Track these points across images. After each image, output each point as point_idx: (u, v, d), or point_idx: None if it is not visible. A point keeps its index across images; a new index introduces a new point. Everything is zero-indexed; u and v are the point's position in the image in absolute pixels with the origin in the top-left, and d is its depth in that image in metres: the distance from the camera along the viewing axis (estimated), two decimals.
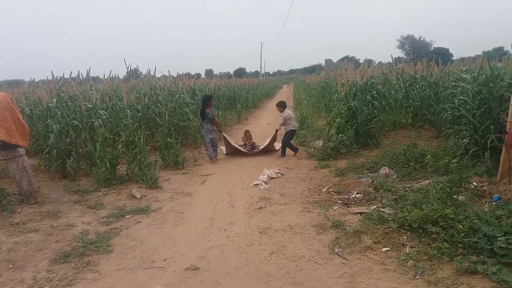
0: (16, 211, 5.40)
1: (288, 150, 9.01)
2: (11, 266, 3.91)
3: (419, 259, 3.54)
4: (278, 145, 9.53)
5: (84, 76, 10.28)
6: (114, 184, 6.73)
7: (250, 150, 9.47)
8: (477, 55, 11.17)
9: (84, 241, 4.43)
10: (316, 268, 3.66)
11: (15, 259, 4.05)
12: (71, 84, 8.82)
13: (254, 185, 6.69)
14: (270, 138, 9.53)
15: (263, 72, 70.32)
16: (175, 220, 5.24)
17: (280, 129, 9.12)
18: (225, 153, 9.62)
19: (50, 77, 9.02)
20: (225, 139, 9.34)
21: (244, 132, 10.09)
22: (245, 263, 3.86)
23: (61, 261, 4.00)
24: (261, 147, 9.56)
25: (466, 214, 3.99)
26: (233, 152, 9.52)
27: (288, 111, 9.12)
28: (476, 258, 3.38)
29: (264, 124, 14.77)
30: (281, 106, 9.16)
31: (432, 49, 67.02)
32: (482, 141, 6.15)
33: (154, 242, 4.49)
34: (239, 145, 9.62)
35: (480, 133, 6.20)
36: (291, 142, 9.13)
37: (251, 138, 9.83)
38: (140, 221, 5.17)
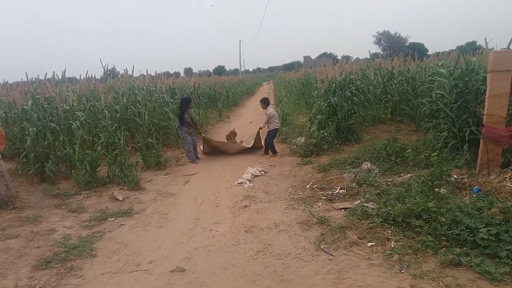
0: None
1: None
2: None
3: (404, 253, 3.60)
4: (248, 144, 9.49)
5: (60, 77, 10.03)
6: (95, 187, 6.60)
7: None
8: (451, 49, 11.43)
9: (66, 246, 4.33)
10: (303, 265, 3.67)
11: None
12: (47, 85, 8.60)
13: (238, 183, 6.67)
14: (254, 137, 9.39)
15: (242, 69, 70.30)
16: (159, 221, 5.17)
17: (264, 127, 8.97)
18: (202, 151, 9.47)
19: (24, 79, 8.80)
20: (204, 139, 9.28)
21: (230, 132, 10.01)
22: (231, 262, 3.84)
23: (43, 267, 3.90)
24: (247, 144, 9.38)
25: (448, 207, 4.07)
26: (212, 151, 9.40)
27: (271, 109, 9.03)
28: (459, 250, 3.45)
29: (246, 122, 14.74)
30: (264, 102, 9.09)
31: (407, 44, 68.14)
32: (461, 134, 6.28)
33: (138, 245, 4.42)
34: (224, 141, 9.64)
35: (458, 126, 6.32)
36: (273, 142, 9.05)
37: (234, 137, 9.82)
38: (124, 224, 5.09)
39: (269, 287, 3.33)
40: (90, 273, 3.79)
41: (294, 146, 8.94)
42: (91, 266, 3.94)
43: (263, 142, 9.32)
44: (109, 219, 5.26)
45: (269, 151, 8.90)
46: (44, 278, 3.71)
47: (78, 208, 5.66)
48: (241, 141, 9.72)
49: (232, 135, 9.79)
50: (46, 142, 7.17)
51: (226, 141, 9.73)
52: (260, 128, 9.17)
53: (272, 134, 8.84)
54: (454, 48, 7.65)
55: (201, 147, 9.60)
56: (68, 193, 6.35)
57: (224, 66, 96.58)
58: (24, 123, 7.40)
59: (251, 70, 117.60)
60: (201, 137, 9.37)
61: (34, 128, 7.01)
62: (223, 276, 3.59)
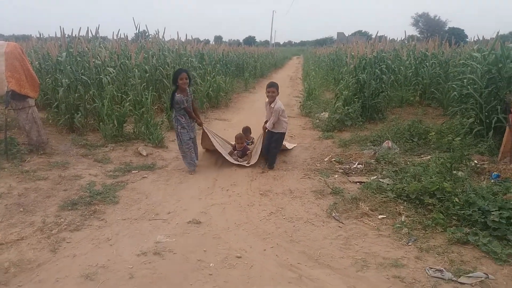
0: (25, 160, 5.55)
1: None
2: (21, 209, 4.08)
3: (413, 227, 3.68)
4: (289, 145, 6.97)
5: (93, 33, 10.21)
6: (121, 141, 6.86)
7: (240, 157, 6.40)
8: (493, 38, 10.95)
9: (91, 191, 4.60)
10: (313, 229, 3.80)
11: (25, 203, 4.23)
12: (80, 40, 8.79)
13: None
14: (261, 143, 6.19)
15: (273, 42, 69.40)
16: (179, 178, 5.39)
17: (271, 128, 5.84)
18: (201, 146, 6.60)
19: (58, 34, 9.00)
20: (204, 133, 6.30)
21: (235, 138, 6.49)
22: (245, 220, 4.01)
23: (69, 208, 4.17)
24: (252, 160, 6.17)
25: (464, 188, 4.11)
26: (211, 148, 6.47)
27: (280, 103, 5.86)
28: (468, 230, 3.51)
29: None
30: (273, 87, 5.80)
31: (446, 28, 65.51)
32: (487, 120, 6.19)
33: (158, 197, 4.65)
34: (228, 147, 6.60)
35: (485, 113, 6.23)
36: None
37: (243, 142, 6.50)
38: (146, 177, 5.33)
39: (278, 244, 3.49)
40: (112, 218, 4.04)
41: (317, 121, 8.96)
42: (113, 211, 4.19)
43: (286, 144, 6.73)
44: (133, 171, 5.51)
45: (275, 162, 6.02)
46: (69, 217, 3.97)
47: (103, 159, 5.93)
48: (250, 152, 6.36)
49: (237, 140, 6.48)
50: (77, 95, 7.41)
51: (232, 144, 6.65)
52: (265, 129, 5.98)
53: (278, 139, 5.94)
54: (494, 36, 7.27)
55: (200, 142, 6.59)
56: (95, 144, 6.63)
57: (254, 37, 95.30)
58: (57, 75, 7.65)
59: (281, 43, 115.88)
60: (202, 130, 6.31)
61: (67, 80, 7.26)
62: (235, 232, 3.76)
